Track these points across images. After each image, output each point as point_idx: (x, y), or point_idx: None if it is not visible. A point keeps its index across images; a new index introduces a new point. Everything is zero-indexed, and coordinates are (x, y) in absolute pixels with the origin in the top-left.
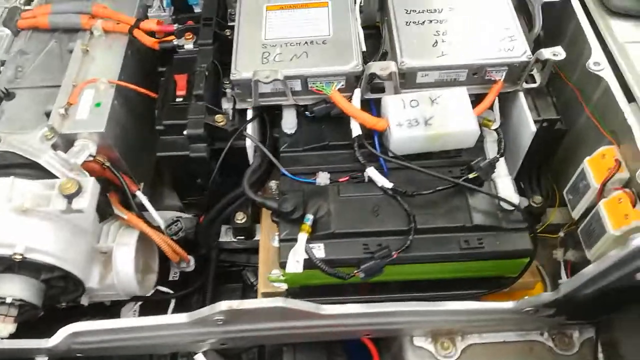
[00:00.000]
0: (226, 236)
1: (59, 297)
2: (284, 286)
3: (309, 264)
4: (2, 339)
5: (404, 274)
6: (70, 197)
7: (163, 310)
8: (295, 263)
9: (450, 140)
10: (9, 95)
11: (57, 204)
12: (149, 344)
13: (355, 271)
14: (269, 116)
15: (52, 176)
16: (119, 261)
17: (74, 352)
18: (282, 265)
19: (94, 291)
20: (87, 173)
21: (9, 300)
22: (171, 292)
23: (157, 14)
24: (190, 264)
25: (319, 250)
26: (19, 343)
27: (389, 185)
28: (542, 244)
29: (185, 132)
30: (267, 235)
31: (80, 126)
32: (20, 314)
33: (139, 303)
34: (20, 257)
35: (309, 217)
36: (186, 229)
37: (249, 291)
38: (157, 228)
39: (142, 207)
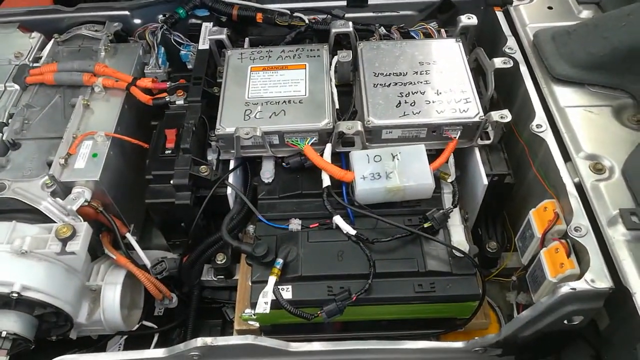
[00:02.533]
0: (208, 275)
1: (49, 331)
2: (256, 324)
3: (277, 304)
4: None
5: (365, 315)
6: (64, 241)
7: (147, 344)
8: (263, 304)
9: (409, 193)
10: (15, 145)
11: (53, 247)
12: None
13: (319, 312)
14: (251, 165)
15: (50, 220)
16: (107, 299)
17: None
18: (253, 306)
19: (82, 326)
20: (81, 218)
21: (3, 334)
22: (155, 326)
23: (153, 71)
24: (173, 301)
25: (287, 292)
26: None
27: (352, 232)
28: (499, 287)
29: (172, 182)
30: (245, 275)
31: (78, 175)
32: (13, 347)
33: (124, 337)
34: (17, 295)
35: (279, 262)
36: (170, 269)
37: (229, 327)
38: (144, 267)
39: (131, 247)
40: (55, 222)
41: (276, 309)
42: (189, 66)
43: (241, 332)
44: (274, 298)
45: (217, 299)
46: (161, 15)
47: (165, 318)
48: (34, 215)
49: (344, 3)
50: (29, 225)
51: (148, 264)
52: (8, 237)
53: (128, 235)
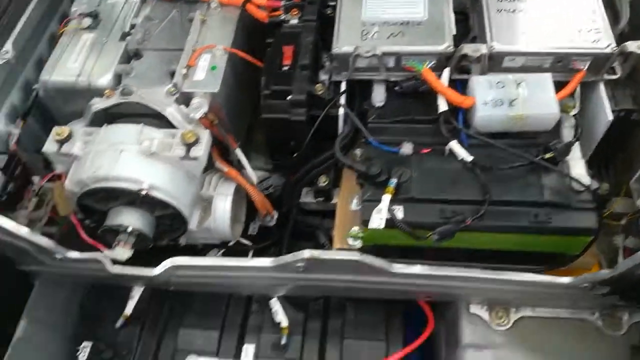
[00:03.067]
0: (306, 197)
1: (163, 235)
2: (358, 245)
3: (389, 223)
4: (120, 262)
5: (473, 242)
6: (189, 146)
7: None
8: (378, 220)
9: (531, 122)
10: (137, 55)
11: (178, 151)
12: (232, 284)
13: (430, 233)
14: (359, 89)
15: (172, 127)
16: (218, 208)
17: (168, 285)
18: (365, 223)
19: (192, 233)
20: (202, 126)
21: (129, 229)
22: (250, 243)
23: None
24: (274, 218)
25: (399, 212)
26: (130, 270)
27: (469, 158)
28: (603, 231)
29: (288, 98)
30: (345, 199)
31: (198, 86)
32: (136, 243)
33: (222, 250)
34: (145, 192)
35: (393, 181)
36: (275, 186)
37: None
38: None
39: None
40: (177, 128)
41: (389, 227)
42: None
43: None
44: (388, 217)
45: (310, 223)
46: None
47: (257, 238)
48: (157, 121)
49: None
50: (155, 130)
51: (255, 179)
52: (137, 139)
53: (237, 150)
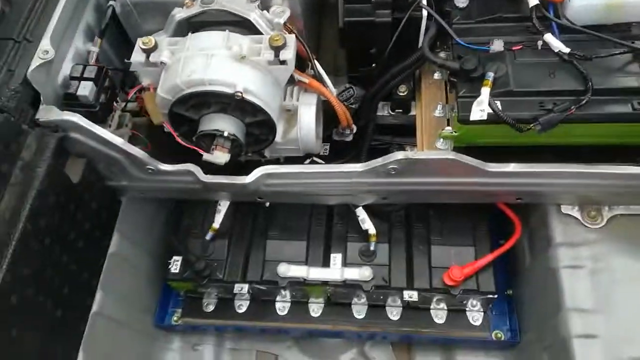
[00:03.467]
0: (382, 111)
1: (249, 145)
2: (447, 148)
3: (490, 116)
4: (219, 164)
5: (572, 135)
6: (277, 49)
7: None
8: (479, 112)
9: (628, 12)
10: None
11: (266, 55)
12: (320, 191)
13: (533, 124)
14: None
15: (257, 33)
16: (303, 118)
17: (256, 195)
18: (462, 119)
19: (277, 145)
20: (286, 32)
21: (225, 134)
22: (323, 162)
23: None
24: (354, 131)
25: (497, 105)
26: (221, 179)
27: (566, 49)
28: None
29: None
30: (427, 108)
31: None
32: (231, 148)
33: None
34: (240, 95)
35: (490, 74)
36: (356, 96)
37: None
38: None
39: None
40: (262, 34)
41: (489, 122)
42: None
43: None
44: (490, 110)
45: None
46: None
47: (329, 157)
48: (241, 29)
49: None
50: (240, 35)
51: (334, 90)
52: (225, 44)
53: (315, 62)
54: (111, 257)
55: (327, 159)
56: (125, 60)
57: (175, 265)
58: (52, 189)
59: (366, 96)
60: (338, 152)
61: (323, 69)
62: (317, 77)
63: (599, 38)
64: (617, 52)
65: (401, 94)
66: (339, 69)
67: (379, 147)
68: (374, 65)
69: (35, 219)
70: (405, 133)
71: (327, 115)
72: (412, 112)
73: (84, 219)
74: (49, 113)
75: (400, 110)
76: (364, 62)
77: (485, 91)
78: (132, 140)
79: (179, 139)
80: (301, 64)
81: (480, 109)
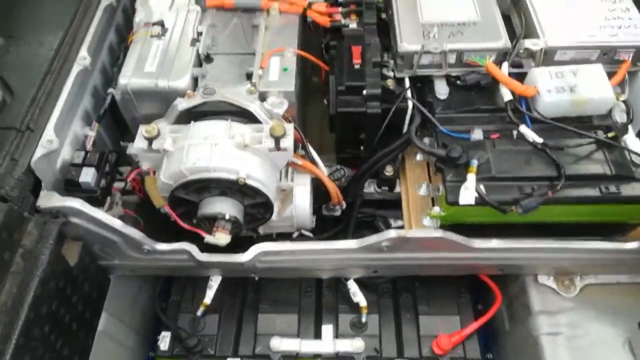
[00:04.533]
0: (369, 188)
1: (247, 224)
2: (433, 225)
3: (477, 200)
4: (221, 245)
5: (548, 215)
6: (277, 139)
7: None
8: (468, 197)
9: (590, 106)
10: (209, 59)
11: (268, 143)
12: (314, 267)
13: (514, 207)
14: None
15: (255, 121)
16: (299, 197)
17: (251, 271)
18: (451, 202)
19: (272, 222)
20: (284, 121)
21: (227, 216)
22: (311, 235)
23: None
24: (343, 207)
25: (482, 190)
26: (218, 257)
27: (539, 140)
28: None
29: (364, 92)
30: (412, 186)
31: (274, 85)
32: (232, 230)
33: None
34: (244, 181)
35: (475, 162)
36: (347, 177)
37: None
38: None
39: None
40: (260, 122)
41: (476, 204)
42: None
43: None
44: (477, 195)
45: (372, 213)
46: None
47: (316, 230)
48: (241, 118)
49: None
50: (241, 124)
51: (325, 171)
52: (227, 133)
53: (308, 144)
54: (99, 335)
55: (315, 231)
56: (121, 143)
57: (164, 341)
58: (53, 275)
59: (355, 176)
60: (325, 224)
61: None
62: (310, 159)
63: (567, 130)
64: (584, 142)
65: (388, 174)
66: (324, 146)
67: (363, 219)
68: (362, 147)
69: (37, 307)
70: (387, 206)
71: (316, 191)
72: (397, 189)
73: (77, 301)
74: (50, 200)
75: (386, 188)
76: (353, 145)
77: (472, 177)
78: (124, 219)
79: (181, 223)
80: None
81: (468, 194)
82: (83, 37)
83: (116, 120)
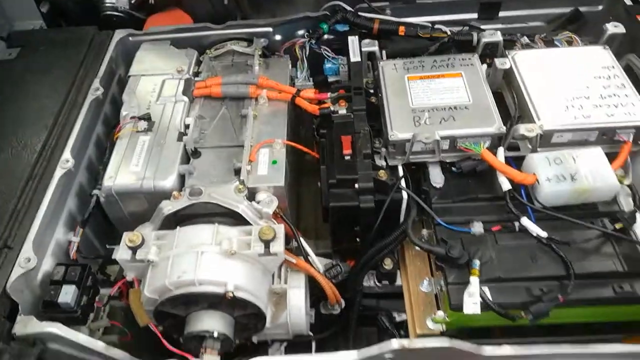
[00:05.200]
0: (369, 281)
1: (239, 335)
2: (438, 328)
3: (482, 306)
4: None
5: (558, 318)
6: (267, 242)
7: (306, 351)
8: (472, 305)
9: (593, 194)
10: (196, 153)
11: (257, 248)
12: None
13: (523, 313)
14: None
15: (245, 223)
16: (293, 302)
17: None
18: (454, 308)
19: (266, 330)
20: (274, 221)
21: (215, 334)
22: (311, 334)
23: (303, 83)
24: (342, 306)
25: (486, 293)
26: None
27: (544, 234)
28: None
29: (357, 186)
30: (413, 280)
31: (263, 180)
32: (222, 348)
33: (284, 344)
34: (232, 295)
35: (477, 262)
36: (344, 273)
37: (384, 334)
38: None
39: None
40: (250, 224)
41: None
42: (330, 79)
43: (422, 337)
44: (481, 300)
45: (374, 307)
46: (302, 31)
47: (314, 327)
48: (229, 219)
49: (475, 15)
50: (229, 228)
51: (321, 268)
52: (214, 239)
53: (302, 239)
54: None
55: (313, 328)
56: (107, 247)
57: None
58: None
59: (352, 271)
60: (323, 319)
61: (304, 231)
62: (303, 255)
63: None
64: (592, 236)
65: (387, 267)
66: (320, 231)
67: (365, 313)
68: (358, 240)
69: None
70: (389, 297)
71: (311, 283)
72: (398, 282)
73: None
74: (27, 325)
75: (387, 282)
76: (348, 238)
77: (475, 281)
78: (111, 329)
79: (167, 345)
80: (286, 238)
81: (473, 302)
82: (68, 136)
83: (104, 219)
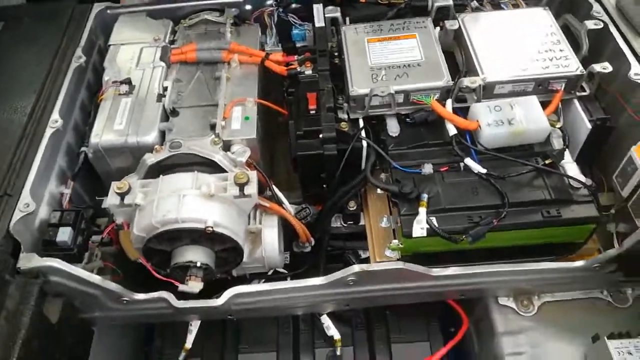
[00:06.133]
0: (336, 223)
1: (220, 268)
2: (395, 256)
3: (429, 231)
4: (194, 293)
5: (497, 240)
6: (241, 186)
7: None
8: (419, 229)
9: (528, 136)
10: (174, 112)
11: (232, 191)
12: (286, 305)
13: (465, 236)
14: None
15: (221, 171)
16: (268, 239)
17: (227, 314)
18: (406, 235)
19: (243, 264)
20: (247, 168)
21: (198, 264)
22: (286, 272)
23: (272, 48)
24: (312, 244)
25: (433, 221)
26: (194, 303)
27: (483, 170)
28: None
29: (320, 136)
30: (374, 219)
31: (237, 134)
32: (204, 276)
33: (263, 280)
34: (211, 229)
35: (425, 196)
36: (312, 215)
37: None
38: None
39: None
40: (226, 172)
41: (428, 236)
42: (298, 45)
43: None
44: (427, 226)
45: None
46: (270, 1)
47: (290, 266)
48: (207, 168)
49: None
50: (207, 175)
51: (292, 211)
52: (194, 184)
53: (274, 187)
54: None
55: (288, 267)
56: (97, 198)
57: None
58: (35, 335)
59: (321, 213)
60: (297, 260)
61: (278, 184)
62: (276, 200)
63: (509, 159)
64: (524, 171)
65: (351, 209)
66: (293, 182)
67: (334, 252)
68: (325, 186)
69: None
70: (356, 238)
71: (286, 228)
72: (362, 222)
73: (62, 357)
74: (30, 261)
75: (352, 222)
76: (316, 184)
77: (423, 211)
78: (103, 271)
79: (156, 274)
80: (260, 187)
81: (420, 227)
82: (55, 99)
83: (92, 175)
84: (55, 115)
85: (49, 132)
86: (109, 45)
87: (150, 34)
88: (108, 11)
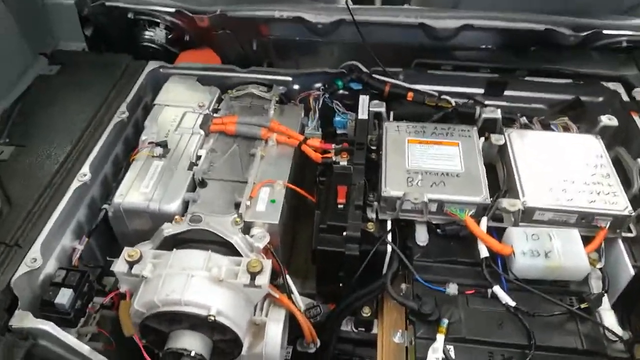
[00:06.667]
0: (346, 326)
1: (213, 359)
2: None
3: None
4: None
5: None
6: (253, 274)
7: None
8: (435, 359)
9: (564, 273)
10: (203, 183)
11: (243, 279)
12: None
13: None
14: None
15: (237, 254)
16: (270, 334)
17: None
18: None
19: (241, 357)
20: (264, 255)
21: (192, 354)
22: None
23: (312, 132)
24: (317, 346)
25: (451, 352)
26: None
27: (512, 303)
28: None
29: (344, 233)
30: (387, 331)
31: (260, 216)
32: None
33: None
34: (213, 318)
35: (445, 321)
36: (323, 314)
37: None
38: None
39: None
40: (241, 256)
41: None
42: (338, 131)
43: None
44: (443, 356)
45: (351, 353)
46: (318, 84)
47: None
48: (223, 248)
49: (482, 90)
50: (220, 256)
51: (302, 307)
52: (205, 265)
53: (288, 277)
54: None
55: None
56: (107, 259)
57: None
58: None
59: (332, 314)
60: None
61: (295, 270)
62: (287, 291)
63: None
64: (557, 312)
65: (365, 315)
66: (309, 272)
67: (340, 357)
68: (341, 284)
69: None
70: (365, 345)
71: (292, 321)
72: (374, 330)
73: None
74: (23, 320)
75: (363, 329)
76: (332, 281)
77: (441, 338)
78: (97, 337)
79: (147, 357)
80: (273, 274)
81: (435, 357)
82: (89, 152)
83: (108, 233)
84: (85, 168)
85: (75, 184)
86: (154, 104)
87: (196, 99)
88: (161, 70)
